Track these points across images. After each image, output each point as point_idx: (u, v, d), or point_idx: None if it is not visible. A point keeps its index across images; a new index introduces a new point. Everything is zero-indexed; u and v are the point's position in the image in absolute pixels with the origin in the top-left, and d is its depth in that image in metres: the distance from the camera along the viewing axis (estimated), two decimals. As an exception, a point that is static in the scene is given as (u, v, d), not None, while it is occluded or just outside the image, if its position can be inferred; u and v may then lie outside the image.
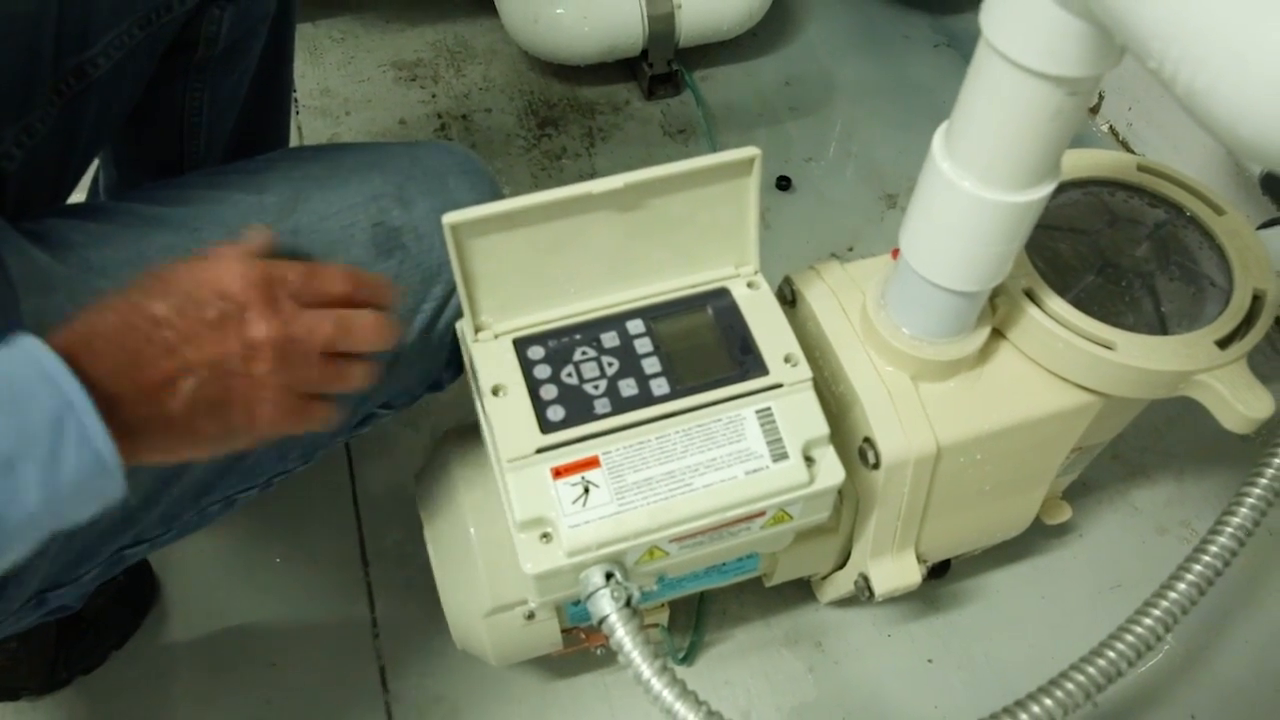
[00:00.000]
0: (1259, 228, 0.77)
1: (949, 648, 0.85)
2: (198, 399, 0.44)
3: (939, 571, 0.86)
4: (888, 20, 1.38)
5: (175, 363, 0.44)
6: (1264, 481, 0.63)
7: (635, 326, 0.59)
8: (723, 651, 0.84)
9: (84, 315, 0.44)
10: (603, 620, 0.55)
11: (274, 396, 0.47)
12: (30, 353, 0.39)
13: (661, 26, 1.20)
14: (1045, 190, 0.52)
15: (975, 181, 0.52)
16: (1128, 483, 0.95)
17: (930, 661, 0.84)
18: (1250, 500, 0.63)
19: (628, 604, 0.55)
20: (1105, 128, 1.25)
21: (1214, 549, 0.62)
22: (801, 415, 0.57)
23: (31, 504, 0.38)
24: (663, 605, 0.77)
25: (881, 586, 0.70)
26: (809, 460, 0.57)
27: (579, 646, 0.73)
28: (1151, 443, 0.97)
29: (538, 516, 0.54)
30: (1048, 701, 0.57)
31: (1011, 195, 0.51)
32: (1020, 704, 0.58)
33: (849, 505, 0.69)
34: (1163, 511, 0.93)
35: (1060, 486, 0.83)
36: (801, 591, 0.85)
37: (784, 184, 1.18)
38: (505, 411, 0.55)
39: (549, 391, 0.56)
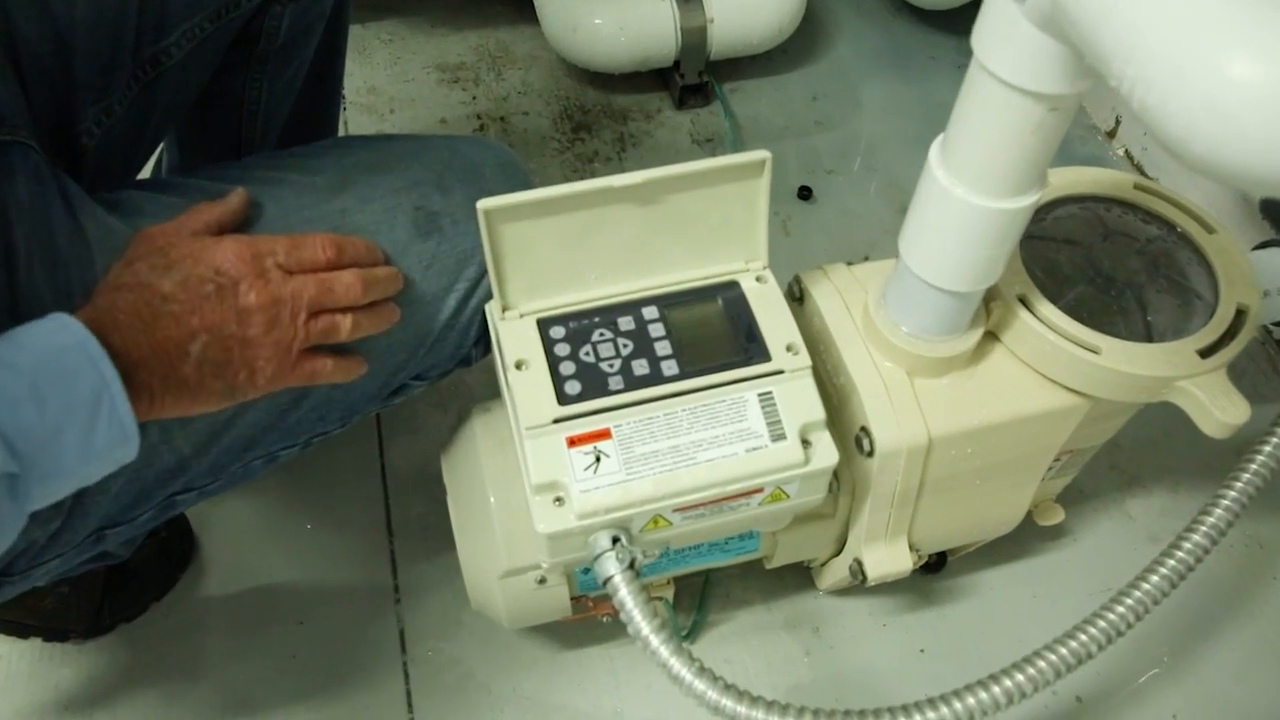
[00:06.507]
0: (1256, 248, 0.81)
1: (941, 639, 0.89)
2: (204, 360, 0.52)
3: (935, 567, 0.90)
4: (915, 41, 1.43)
5: (182, 330, 0.51)
6: (1239, 485, 0.67)
7: (650, 312, 0.63)
8: (724, 632, 0.88)
9: (104, 294, 0.51)
10: (607, 580, 0.59)
11: (269, 353, 0.54)
12: (76, 335, 0.46)
13: (694, 39, 1.25)
14: (1030, 199, 0.56)
15: (966, 189, 0.56)
16: (1124, 492, 0.99)
17: (922, 651, 0.88)
18: (1225, 502, 0.67)
19: (631, 566, 0.59)
20: (1121, 152, 1.28)
21: (1187, 545, 0.65)
22: (800, 400, 0.61)
23: (70, 464, 0.45)
24: (669, 582, 0.81)
25: (874, 571, 0.74)
26: (806, 442, 0.61)
27: (586, 614, 0.77)
28: (1149, 455, 1.00)
29: (552, 481, 0.59)
30: (1019, 676, 0.61)
31: (999, 202, 0.56)
32: (993, 677, 0.61)
33: (845, 492, 0.73)
34: (1156, 521, 0.97)
35: (1055, 489, 0.87)
36: (802, 579, 0.89)
37: (805, 194, 1.22)
38: (527, 384, 0.60)
39: (567, 368, 0.61)
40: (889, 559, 0.74)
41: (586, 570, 0.70)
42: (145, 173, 0.77)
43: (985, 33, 0.50)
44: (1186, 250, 0.72)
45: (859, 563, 0.75)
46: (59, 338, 0.46)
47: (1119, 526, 0.96)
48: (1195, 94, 0.38)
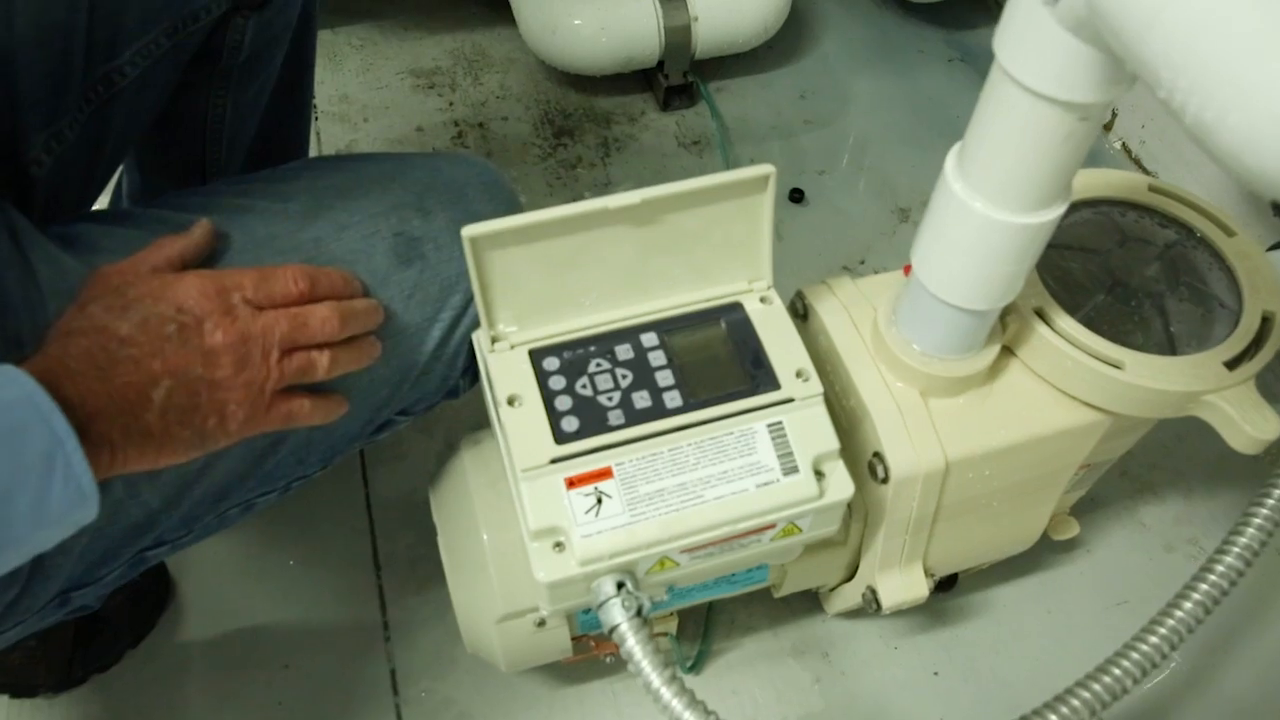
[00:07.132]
0: (1270, 249, 0.78)
1: (955, 661, 0.85)
2: (169, 407, 0.47)
3: (946, 585, 0.87)
4: (902, 35, 1.39)
5: (143, 375, 0.47)
6: (1271, 502, 0.64)
7: (649, 339, 0.59)
8: (730, 661, 0.84)
9: (56, 341, 0.47)
10: (613, 629, 0.55)
11: (240, 396, 0.50)
12: (24, 388, 0.42)
13: (678, 38, 1.21)
14: (1056, 212, 0.52)
15: (986, 203, 0.52)
16: (1136, 500, 0.96)
17: (936, 674, 0.85)
18: (1258, 520, 0.63)
19: (638, 613, 0.55)
20: (1118, 145, 1.25)
21: (1220, 568, 0.62)
22: (812, 429, 0.58)
23: (21, 531, 0.42)
24: (672, 614, 0.77)
25: (889, 600, 0.71)
26: (819, 474, 0.58)
27: (588, 654, 0.73)
28: (1160, 460, 0.98)
29: (551, 526, 0.55)
30: (1052, 718, 0.57)
31: (1022, 217, 0.52)
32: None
33: (858, 518, 0.69)
34: (1171, 529, 0.94)
35: (1068, 503, 0.84)
36: (809, 603, 0.86)
37: (797, 196, 1.18)
38: (520, 422, 0.56)
39: (563, 402, 0.57)
40: (904, 587, 0.71)
41: (588, 610, 0.66)
42: (104, 200, 0.72)
43: (1010, 36, 0.46)
44: (1206, 255, 0.69)
45: (873, 591, 0.71)
46: (5, 393, 0.42)
47: (1133, 535, 0.93)
48: (1258, 106, 0.34)
